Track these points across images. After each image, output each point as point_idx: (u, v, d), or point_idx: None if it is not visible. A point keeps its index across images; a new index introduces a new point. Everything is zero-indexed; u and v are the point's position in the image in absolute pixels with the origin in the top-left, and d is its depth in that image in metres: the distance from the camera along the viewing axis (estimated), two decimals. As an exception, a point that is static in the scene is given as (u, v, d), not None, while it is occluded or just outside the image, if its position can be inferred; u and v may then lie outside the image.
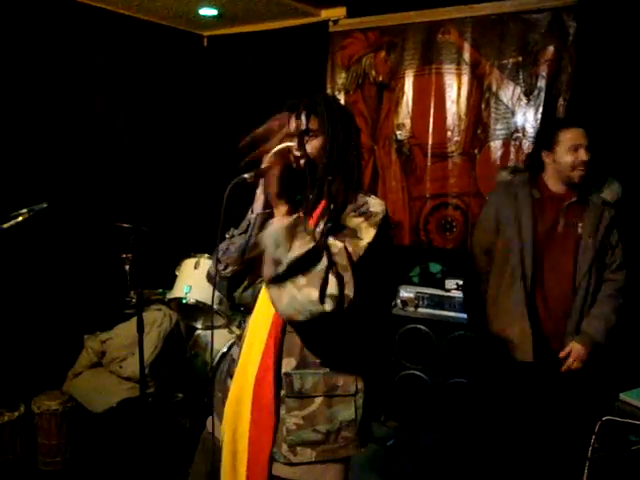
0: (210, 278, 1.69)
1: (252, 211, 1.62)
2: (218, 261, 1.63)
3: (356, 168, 1.63)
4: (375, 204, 1.56)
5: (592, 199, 2.47)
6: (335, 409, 1.55)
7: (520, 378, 2.41)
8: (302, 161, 1.56)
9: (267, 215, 1.56)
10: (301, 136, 1.58)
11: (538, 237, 2.45)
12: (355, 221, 1.53)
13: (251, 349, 1.58)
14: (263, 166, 1.50)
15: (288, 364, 1.55)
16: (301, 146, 1.57)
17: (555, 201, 2.47)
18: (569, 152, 2.38)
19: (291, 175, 1.51)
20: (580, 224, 2.44)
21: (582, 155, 2.37)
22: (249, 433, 1.54)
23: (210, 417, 1.72)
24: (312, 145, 1.59)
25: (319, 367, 1.55)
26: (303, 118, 1.59)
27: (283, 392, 1.54)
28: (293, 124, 1.60)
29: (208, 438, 1.69)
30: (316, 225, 1.55)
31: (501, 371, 2.47)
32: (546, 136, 2.50)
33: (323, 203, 1.58)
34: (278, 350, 1.54)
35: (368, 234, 1.51)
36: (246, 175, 1.49)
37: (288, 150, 1.53)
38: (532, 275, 2.43)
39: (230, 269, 1.63)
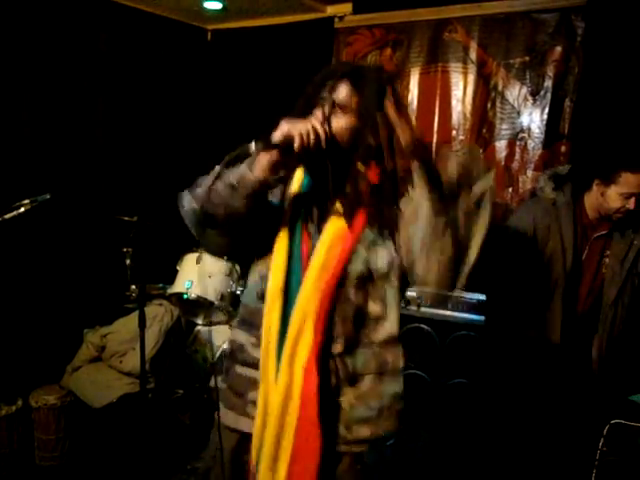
0: (185, 213, 1.57)
1: (250, 168, 1.45)
2: (193, 196, 1.54)
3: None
4: None
5: (622, 229, 2.43)
6: (385, 385, 1.55)
7: (541, 371, 2.39)
8: (323, 139, 1.42)
9: (268, 184, 1.47)
10: (329, 110, 1.47)
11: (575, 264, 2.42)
12: None
13: (297, 336, 1.48)
14: (274, 140, 1.41)
15: (337, 346, 1.51)
16: (325, 122, 1.45)
17: (588, 230, 2.45)
18: (621, 198, 2.29)
19: (310, 156, 1.43)
20: (607, 252, 2.42)
21: (631, 205, 2.28)
22: (296, 429, 1.48)
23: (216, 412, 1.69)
24: (338, 122, 1.48)
25: (368, 345, 1.53)
26: (342, 89, 1.48)
27: (335, 377, 1.51)
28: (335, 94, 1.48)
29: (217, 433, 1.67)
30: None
31: (516, 371, 2.44)
32: (607, 168, 2.36)
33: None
34: (327, 333, 1.49)
35: None
36: (251, 148, 1.42)
37: (307, 130, 1.40)
38: (565, 301, 2.41)
39: (206, 213, 1.50)
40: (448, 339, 3.45)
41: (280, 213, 1.58)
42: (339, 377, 1.51)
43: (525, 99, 3.58)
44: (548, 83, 3.49)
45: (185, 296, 3.32)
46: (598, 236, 2.44)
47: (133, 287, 3.35)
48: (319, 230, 1.54)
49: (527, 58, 3.53)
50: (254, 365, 1.58)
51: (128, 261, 3.36)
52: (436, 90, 3.83)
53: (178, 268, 3.47)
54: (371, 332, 1.53)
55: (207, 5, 4.00)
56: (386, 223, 1.51)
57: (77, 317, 3.57)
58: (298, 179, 1.60)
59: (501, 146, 3.68)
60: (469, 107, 3.75)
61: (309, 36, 4.17)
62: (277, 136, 1.41)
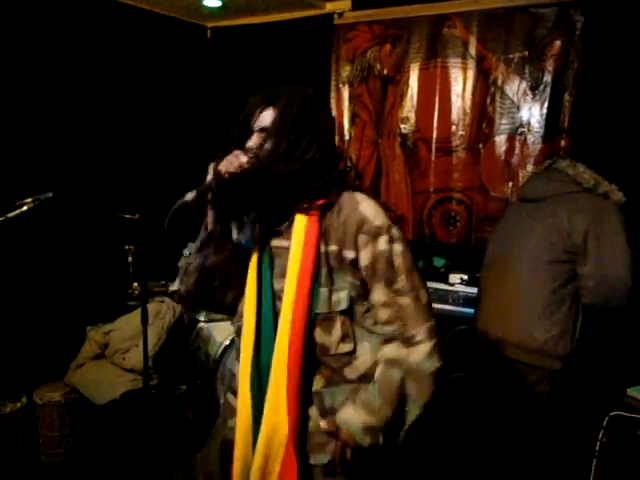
0: (180, 300, 1.70)
1: (205, 227, 1.57)
2: (181, 282, 1.63)
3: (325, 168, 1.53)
4: (375, 213, 1.52)
5: None
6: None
7: None
8: (246, 166, 1.47)
9: (223, 230, 1.54)
10: (259, 137, 1.52)
11: None
12: (377, 249, 1.50)
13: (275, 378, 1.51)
14: (206, 182, 1.48)
15: (317, 383, 1.55)
16: (251, 149, 1.50)
17: None
18: None
19: (241, 184, 1.47)
20: None
21: None
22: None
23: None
24: (261, 146, 1.50)
25: (347, 382, 1.56)
26: (257, 113, 1.53)
27: (316, 409, 1.55)
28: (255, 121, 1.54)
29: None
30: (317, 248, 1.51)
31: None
32: None
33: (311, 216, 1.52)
34: (305, 372, 1.51)
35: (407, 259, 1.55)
36: (188, 197, 1.47)
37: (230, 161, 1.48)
38: None
39: (194, 289, 1.61)
40: (449, 334, 3.46)
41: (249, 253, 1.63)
42: (321, 414, 1.55)
43: (525, 94, 3.58)
44: (547, 77, 3.50)
45: (187, 293, 3.34)
46: None
47: (135, 284, 3.37)
48: (280, 273, 1.56)
49: (526, 53, 3.54)
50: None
51: (130, 258, 3.38)
52: (436, 85, 3.84)
53: (180, 265, 3.49)
54: (346, 370, 1.55)
55: (206, 3, 4.00)
56: (335, 260, 1.53)
57: (80, 315, 3.59)
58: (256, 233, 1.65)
59: (501, 141, 3.69)
60: (469, 102, 3.76)
61: (308, 33, 4.17)
62: (208, 177, 1.49)
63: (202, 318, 3.60)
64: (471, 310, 3.26)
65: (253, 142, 1.51)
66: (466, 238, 3.81)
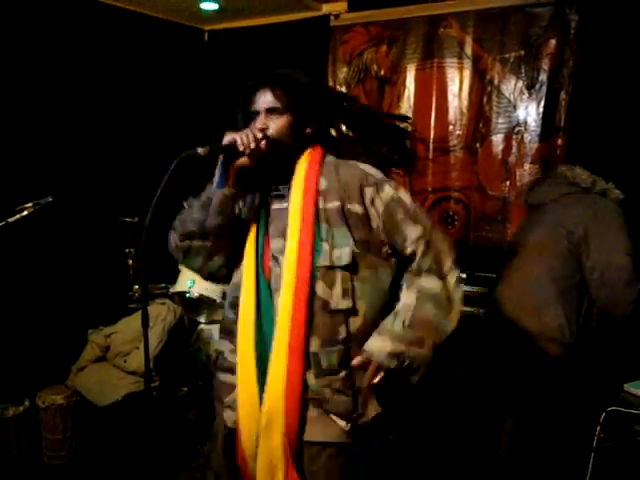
0: (171, 250, 1.71)
1: (214, 184, 1.64)
2: (175, 230, 1.68)
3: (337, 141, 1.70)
4: (374, 169, 1.64)
5: None
6: (358, 379, 1.60)
7: None
8: (263, 143, 1.58)
9: (232, 195, 1.61)
10: (264, 117, 1.63)
11: None
12: (387, 196, 1.58)
13: (279, 336, 1.57)
14: (224, 142, 1.57)
15: (314, 343, 1.56)
16: (260, 127, 1.61)
17: None
18: None
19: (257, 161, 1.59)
20: None
21: None
22: (284, 420, 1.55)
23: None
24: (275, 125, 1.63)
25: (342, 343, 1.57)
26: (267, 95, 1.64)
27: (314, 370, 1.57)
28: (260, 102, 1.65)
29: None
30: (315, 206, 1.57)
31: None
32: None
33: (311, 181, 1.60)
34: (306, 331, 1.55)
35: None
36: (200, 150, 1.54)
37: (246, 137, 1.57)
38: None
39: (187, 242, 1.65)
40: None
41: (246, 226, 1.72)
42: (317, 375, 1.58)
43: (521, 93, 3.60)
44: (543, 76, 3.51)
45: (187, 295, 3.37)
46: None
47: (136, 287, 3.40)
48: (279, 233, 1.64)
49: (522, 52, 3.55)
50: (231, 370, 1.68)
51: (130, 261, 3.40)
52: (432, 86, 3.85)
53: (180, 267, 3.51)
54: (342, 328, 1.57)
55: (203, 6, 4.02)
56: (337, 216, 1.59)
57: (81, 318, 3.61)
58: (257, 200, 1.73)
59: (498, 140, 3.70)
60: (465, 102, 3.77)
61: (305, 34, 4.19)
62: (223, 142, 1.58)
63: (203, 320, 3.62)
64: (470, 308, 3.28)
65: (261, 122, 1.63)
66: (464, 237, 3.82)
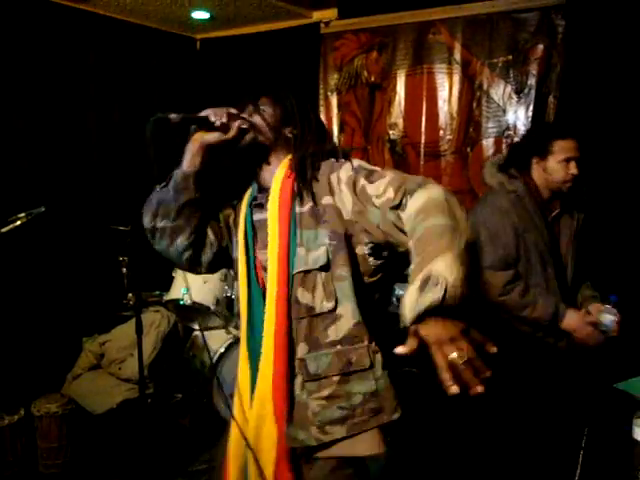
0: (145, 230, 1.68)
1: (180, 166, 1.61)
2: (145, 213, 1.67)
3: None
4: (340, 162, 1.61)
5: (569, 207, 2.44)
6: (352, 385, 1.54)
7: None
8: (237, 122, 1.59)
9: (194, 173, 1.59)
10: (247, 106, 1.66)
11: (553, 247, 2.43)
12: (348, 173, 1.55)
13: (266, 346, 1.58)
14: (200, 114, 1.58)
15: (301, 350, 1.56)
16: (245, 115, 1.63)
17: (546, 212, 2.43)
18: (561, 164, 2.31)
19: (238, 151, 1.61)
20: (561, 234, 2.45)
21: (573, 169, 2.30)
22: (277, 429, 1.56)
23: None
24: (256, 119, 1.64)
25: (329, 346, 1.55)
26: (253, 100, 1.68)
27: (301, 378, 1.56)
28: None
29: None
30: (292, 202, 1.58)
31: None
32: (540, 142, 2.38)
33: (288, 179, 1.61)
34: (289, 339, 1.55)
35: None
36: (173, 115, 1.52)
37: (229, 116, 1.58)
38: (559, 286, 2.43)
39: (152, 223, 1.65)
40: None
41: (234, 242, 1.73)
42: (305, 380, 1.57)
43: (510, 97, 3.64)
44: (532, 81, 3.55)
45: (181, 302, 3.38)
46: (555, 216, 2.43)
47: (130, 295, 3.40)
48: (263, 244, 1.64)
49: (510, 57, 3.59)
50: None
51: (124, 269, 3.42)
52: (422, 91, 3.89)
53: (174, 275, 3.53)
54: (329, 331, 1.54)
55: (195, 15, 4.06)
56: (310, 217, 1.57)
57: (76, 326, 3.62)
58: (244, 210, 1.71)
59: (488, 144, 3.74)
60: (455, 107, 3.81)
61: (296, 42, 4.23)
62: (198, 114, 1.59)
63: (196, 327, 3.64)
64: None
65: (247, 113, 1.65)
66: (456, 241, 3.84)
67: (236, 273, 1.72)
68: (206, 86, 4.61)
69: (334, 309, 1.54)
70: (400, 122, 3.99)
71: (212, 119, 1.56)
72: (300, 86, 4.23)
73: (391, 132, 4.03)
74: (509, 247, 2.36)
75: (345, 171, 1.55)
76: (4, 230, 2.40)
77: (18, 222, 2.45)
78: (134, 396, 3.19)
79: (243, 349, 1.68)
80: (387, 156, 4.05)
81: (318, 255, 1.53)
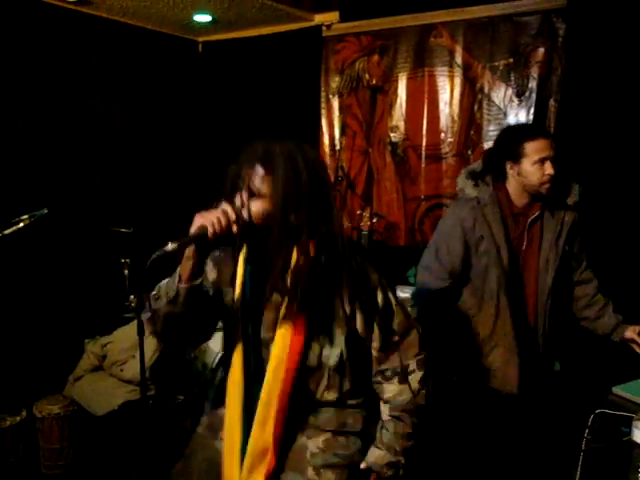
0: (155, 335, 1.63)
1: (179, 278, 1.48)
2: (153, 323, 1.57)
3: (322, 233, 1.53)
4: (367, 268, 1.58)
5: (553, 208, 2.37)
6: (345, 440, 1.64)
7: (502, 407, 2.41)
8: (235, 228, 1.46)
9: (195, 287, 1.48)
10: (246, 196, 1.48)
11: (511, 257, 2.37)
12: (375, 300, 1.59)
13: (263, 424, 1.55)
14: (193, 231, 1.43)
15: (299, 405, 1.59)
16: (239, 208, 1.47)
17: (521, 217, 2.38)
18: (535, 166, 2.24)
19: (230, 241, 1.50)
20: (543, 238, 2.38)
21: (549, 169, 2.22)
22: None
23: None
24: (254, 207, 1.48)
25: (331, 405, 1.61)
26: (254, 175, 1.48)
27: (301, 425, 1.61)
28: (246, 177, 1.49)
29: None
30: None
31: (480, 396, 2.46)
32: (511, 146, 2.31)
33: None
34: (285, 422, 1.56)
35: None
36: (169, 248, 1.41)
37: (219, 218, 1.44)
38: (510, 297, 2.37)
39: (164, 332, 1.57)
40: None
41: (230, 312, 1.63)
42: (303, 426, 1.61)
43: (511, 100, 3.65)
44: (532, 84, 3.57)
45: (183, 304, 3.38)
46: (532, 220, 2.36)
47: (132, 297, 3.42)
48: (268, 327, 1.58)
49: (511, 60, 3.61)
50: None
51: (126, 271, 3.43)
52: (424, 94, 3.91)
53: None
54: (321, 418, 1.61)
55: (197, 18, 4.08)
56: (329, 312, 1.57)
57: (78, 328, 3.63)
58: (240, 281, 1.61)
59: (489, 147, 3.72)
60: (456, 110, 3.82)
61: (298, 45, 4.25)
62: (192, 230, 1.44)
63: (198, 328, 3.64)
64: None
65: (240, 200, 1.49)
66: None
67: (228, 327, 1.66)
68: (208, 88, 4.63)
69: (336, 401, 1.62)
70: (401, 125, 4.00)
71: (210, 231, 1.43)
72: (301, 89, 4.25)
73: (392, 135, 4.04)
74: (452, 255, 2.38)
75: (372, 283, 1.59)
76: (7, 232, 2.41)
77: (21, 224, 2.46)
78: (136, 398, 3.19)
79: (236, 400, 1.60)
80: (388, 159, 4.07)
81: (331, 354, 1.58)
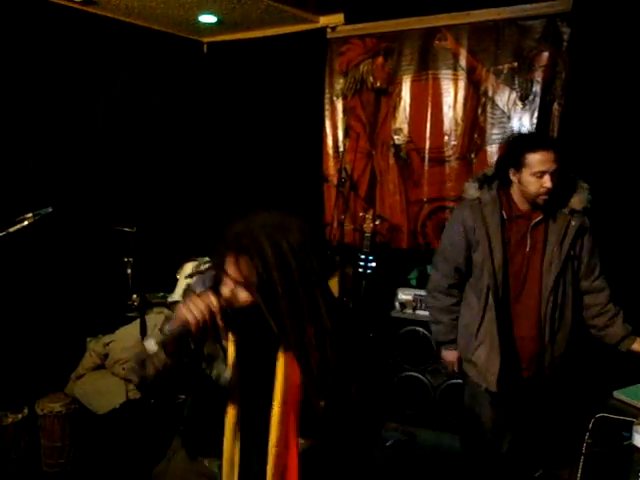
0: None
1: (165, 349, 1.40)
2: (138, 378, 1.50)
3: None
4: None
5: (558, 212, 2.40)
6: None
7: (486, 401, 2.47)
8: (219, 319, 1.38)
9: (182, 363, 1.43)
10: (230, 284, 1.41)
11: (509, 259, 2.41)
12: None
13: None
14: (173, 327, 1.35)
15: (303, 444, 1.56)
16: (221, 297, 1.40)
17: (523, 220, 2.41)
18: (534, 177, 2.27)
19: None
20: (547, 240, 2.40)
21: (547, 182, 2.25)
22: None
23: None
24: (238, 296, 1.41)
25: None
26: (230, 265, 1.39)
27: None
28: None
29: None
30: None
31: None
32: (514, 154, 2.35)
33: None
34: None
35: None
36: (151, 346, 1.35)
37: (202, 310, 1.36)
38: (504, 298, 2.42)
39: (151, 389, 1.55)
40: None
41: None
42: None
43: (515, 104, 3.65)
44: (536, 88, 3.57)
45: (185, 304, 3.39)
46: (536, 223, 2.39)
47: (134, 296, 3.42)
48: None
49: (515, 64, 3.61)
50: None
51: (129, 271, 3.43)
52: (428, 97, 3.91)
53: (178, 276, 3.54)
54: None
55: (202, 18, 4.09)
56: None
57: (80, 326, 3.65)
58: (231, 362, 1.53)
59: (493, 150, 3.75)
60: (460, 113, 3.83)
61: (302, 46, 4.26)
62: (174, 326, 1.36)
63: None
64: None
65: (227, 290, 1.42)
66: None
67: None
68: (213, 89, 4.65)
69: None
70: (405, 127, 4.00)
71: (192, 325, 1.35)
72: (306, 91, 4.26)
73: (396, 137, 4.04)
74: (455, 253, 2.50)
75: None
76: (12, 229, 2.42)
77: (25, 222, 2.46)
78: (137, 397, 3.21)
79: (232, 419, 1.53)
80: (391, 161, 4.07)
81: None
